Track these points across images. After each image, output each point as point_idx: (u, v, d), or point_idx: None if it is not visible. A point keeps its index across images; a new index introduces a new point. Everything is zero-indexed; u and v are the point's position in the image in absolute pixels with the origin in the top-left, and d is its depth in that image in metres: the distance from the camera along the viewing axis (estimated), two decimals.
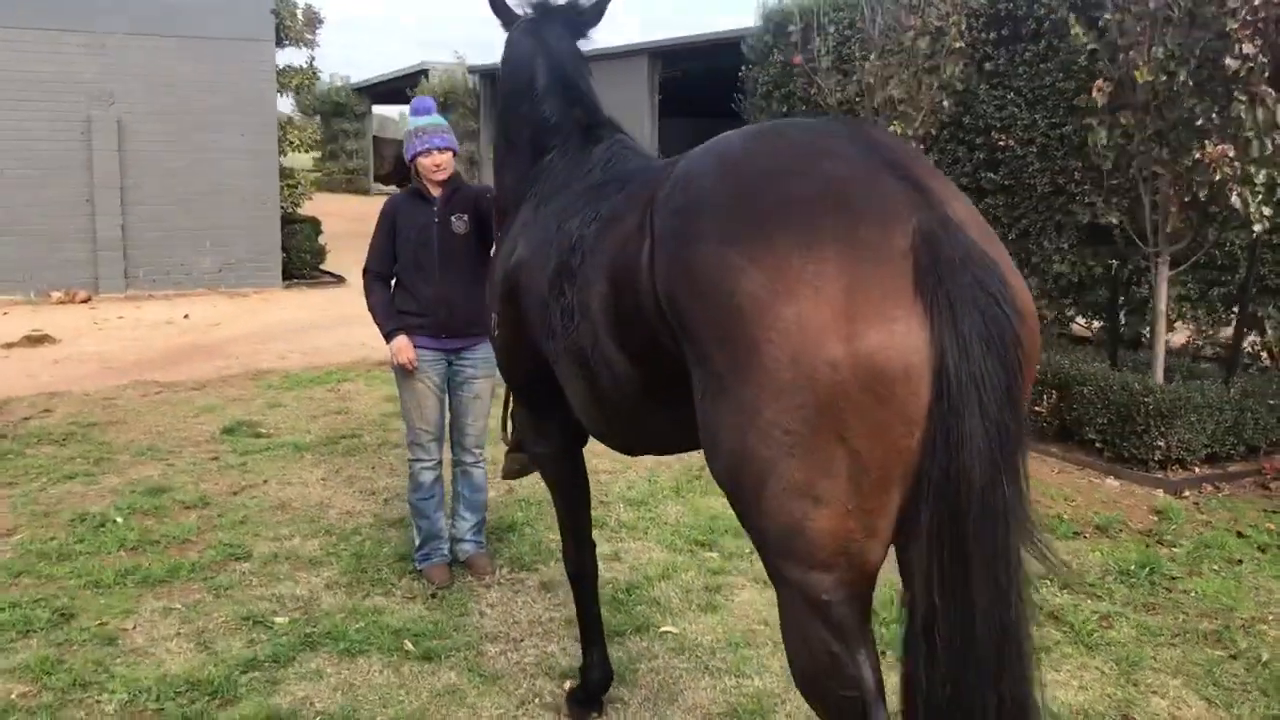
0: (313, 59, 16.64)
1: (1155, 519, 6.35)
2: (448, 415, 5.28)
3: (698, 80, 25.88)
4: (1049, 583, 5.25)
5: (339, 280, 16.71)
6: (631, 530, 5.91)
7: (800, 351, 2.13)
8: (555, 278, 3.14)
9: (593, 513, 6.02)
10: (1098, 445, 7.47)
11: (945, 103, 8.57)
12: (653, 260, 2.58)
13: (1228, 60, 6.31)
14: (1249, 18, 6.25)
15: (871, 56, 8.88)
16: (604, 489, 6.59)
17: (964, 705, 2.22)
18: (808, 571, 2.24)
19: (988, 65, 9.31)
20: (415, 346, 5.03)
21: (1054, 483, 6.97)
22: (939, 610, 2.22)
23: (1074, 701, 4.18)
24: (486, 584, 5.18)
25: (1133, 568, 5.49)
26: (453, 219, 5.01)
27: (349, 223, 20.07)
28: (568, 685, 4.18)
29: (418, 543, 5.25)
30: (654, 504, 6.34)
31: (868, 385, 2.11)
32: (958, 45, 8.37)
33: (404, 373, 5.06)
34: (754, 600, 5.04)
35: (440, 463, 5.27)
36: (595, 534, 5.71)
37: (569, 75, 3.86)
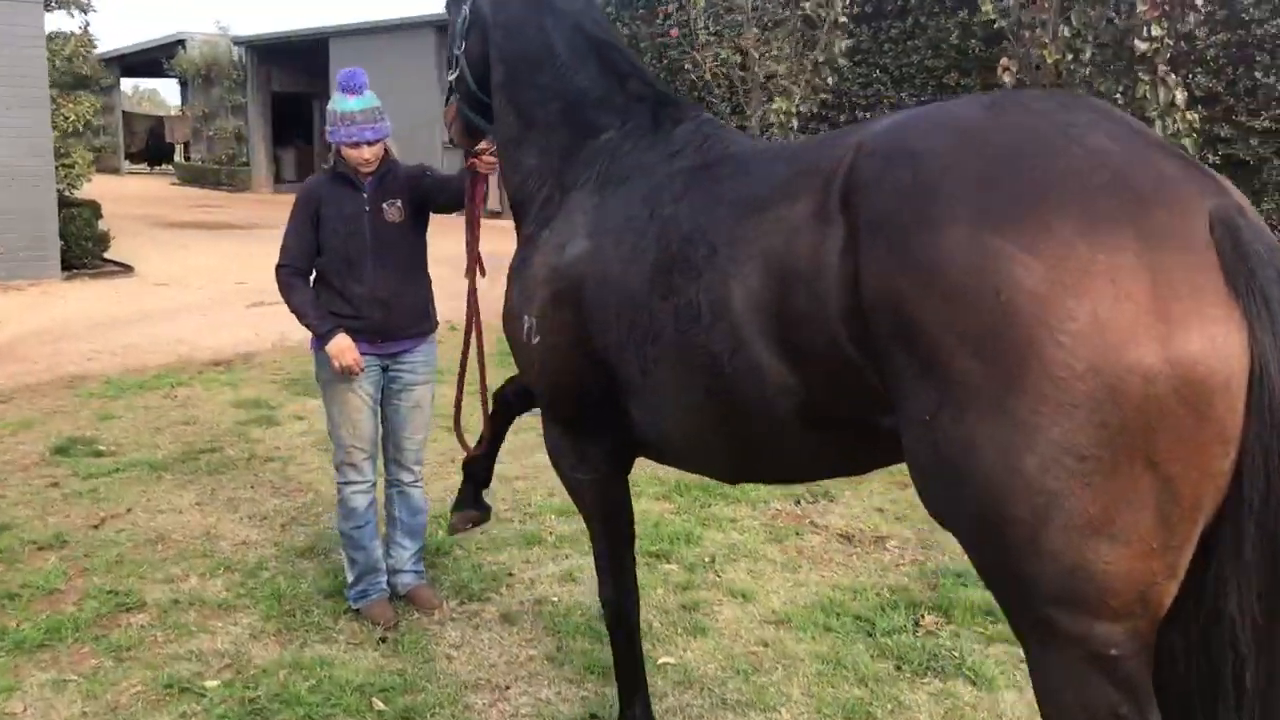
0: (87, 24, 14.95)
1: None
2: (380, 429, 4.59)
3: None
4: None
5: (126, 269, 15.18)
6: (574, 544, 5.37)
7: (1101, 358, 1.79)
8: (660, 273, 2.68)
9: (522, 526, 5.60)
10: None
11: (829, 79, 8.35)
12: (854, 251, 2.14)
13: (1137, 42, 6.31)
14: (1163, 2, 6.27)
15: (751, 29, 8.57)
16: (523, 499, 6.03)
17: None
18: (1094, 623, 1.90)
19: (848, 42, 9.19)
20: None
21: None
22: (1251, 661, 1.94)
23: None
24: (438, 620, 4.55)
25: None
26: (385, 206, 4.32)
27: (115, 204, 18.38)
28: None
29: (352, 578, 4.55)
30: None
31: (1187, 398, 1.78)
32: (842, 20, 8.16)
33: (334, 382, 4.35)
34: (739, 618, 4.63)
35: (374, 484, 4.58)
36: (537, 550, 5.26)
37: (602, 39, 3.40)
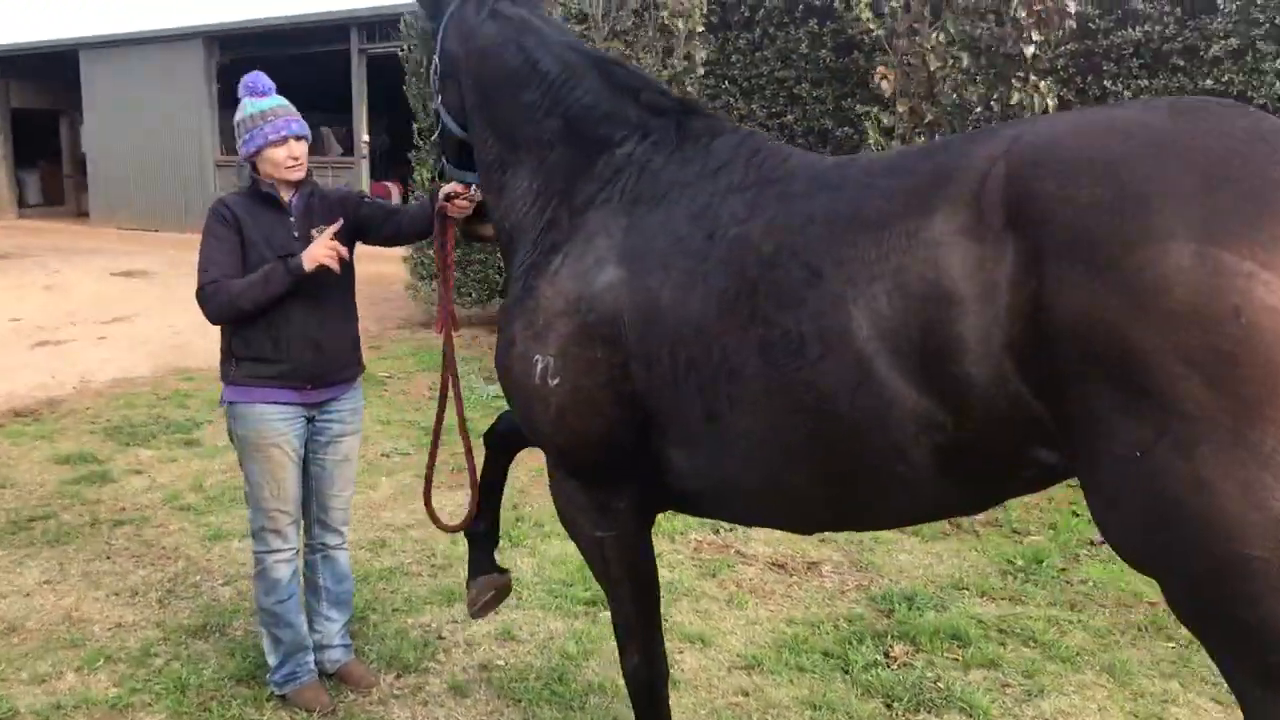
0: None
1: None
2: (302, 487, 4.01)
3: (275, 68, 23.81)
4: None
5: None
6: None
7: None
8: (735, 301, 2.39)
9: (435, 580, 5.10)
10: None
11: (690, 88, 8.16)
12: (1037, 274, 1.91)
13: (1023, 47, 6.39)
14: (1035, 7, 6.37)
15: (597, 37, 8.28)
16: (425, 550, 5.51)
17: None
18: None
19: (703, 53, 9.05)
20: (269, 403, 3.76)
21: None
22: None
23: None
24: (378, 699, 4.02)
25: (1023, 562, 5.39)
26: (316, 234, 3.77)
27: None
28: None
29: (276, 660, 3.95)
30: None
31: None
32: (699, 29, 7.99)
33: (253, 438, 3.76)
34: (706, 666, 4.32)
35: (298, 551, 4.01)
36: (461, 607, 4.77)
37: (601, 56, 3.20)
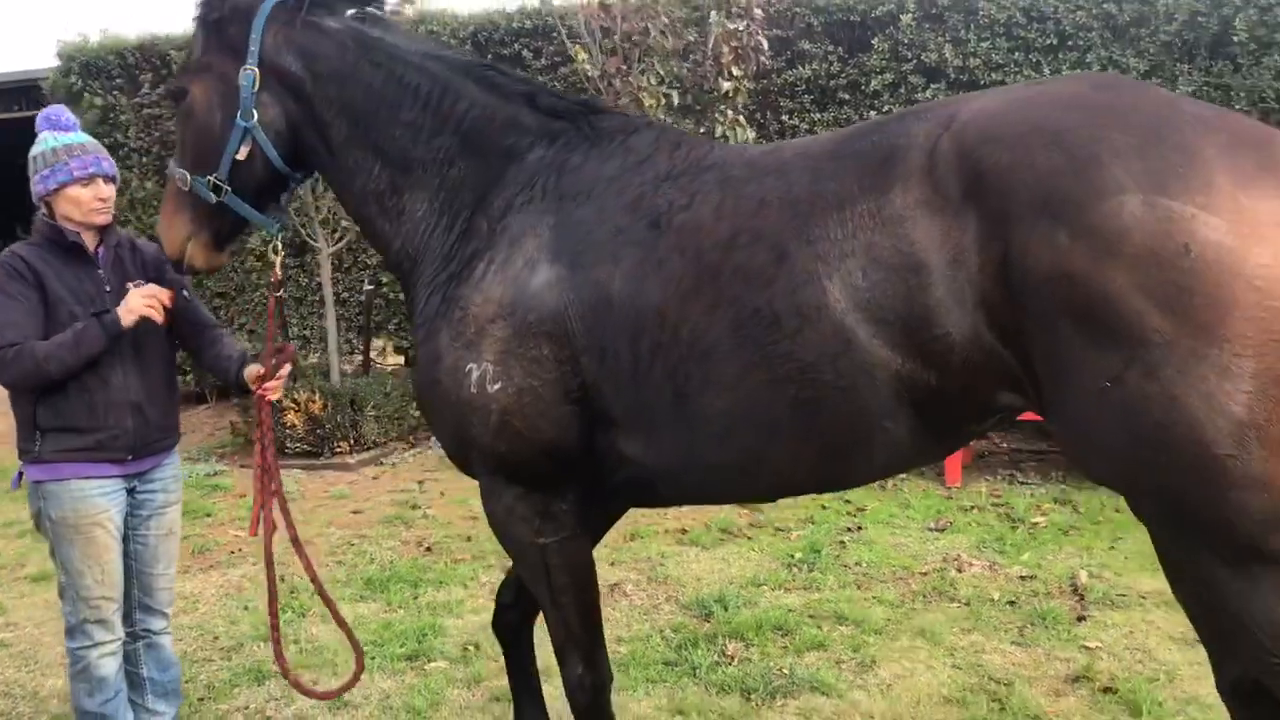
0: None
1: None
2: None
3: None
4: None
5: None
6: (307, 668, 4.59)
7: None
8: (699, 284, 2.48)
9: (228, 662, 4.69)
10: None
11: None
12: (1003, 236, 2.16)
13: (721, 81, 6.89)
14: (733, 44, 6.90)
15: None
16: (202, 631, 5.04)
17: None
18: None
19: None
20: (86, 478, 3.33)
21: None
22: None
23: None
24: None
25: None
26: (131, 287, 3.39)
27: None
28: None
29: None
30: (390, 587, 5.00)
31: None
32: None
33: (71, 519, 3.30)
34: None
35: (122, 640, 3.57)
36: (273, 685, 4.44)
37: (469, 62, 3.13)
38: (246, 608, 5.31)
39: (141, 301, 3.27)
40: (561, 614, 2.92)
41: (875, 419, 2.37)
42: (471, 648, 4.72)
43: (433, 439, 8.83)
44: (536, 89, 3.04)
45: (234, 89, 2.95)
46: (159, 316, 3.31)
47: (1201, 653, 4.45)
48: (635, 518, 6.54)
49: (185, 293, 3.57)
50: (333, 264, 8.88)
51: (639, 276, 2.55)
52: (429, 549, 6.20)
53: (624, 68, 7.06)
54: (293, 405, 8.01)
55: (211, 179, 3.00)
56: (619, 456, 2.69)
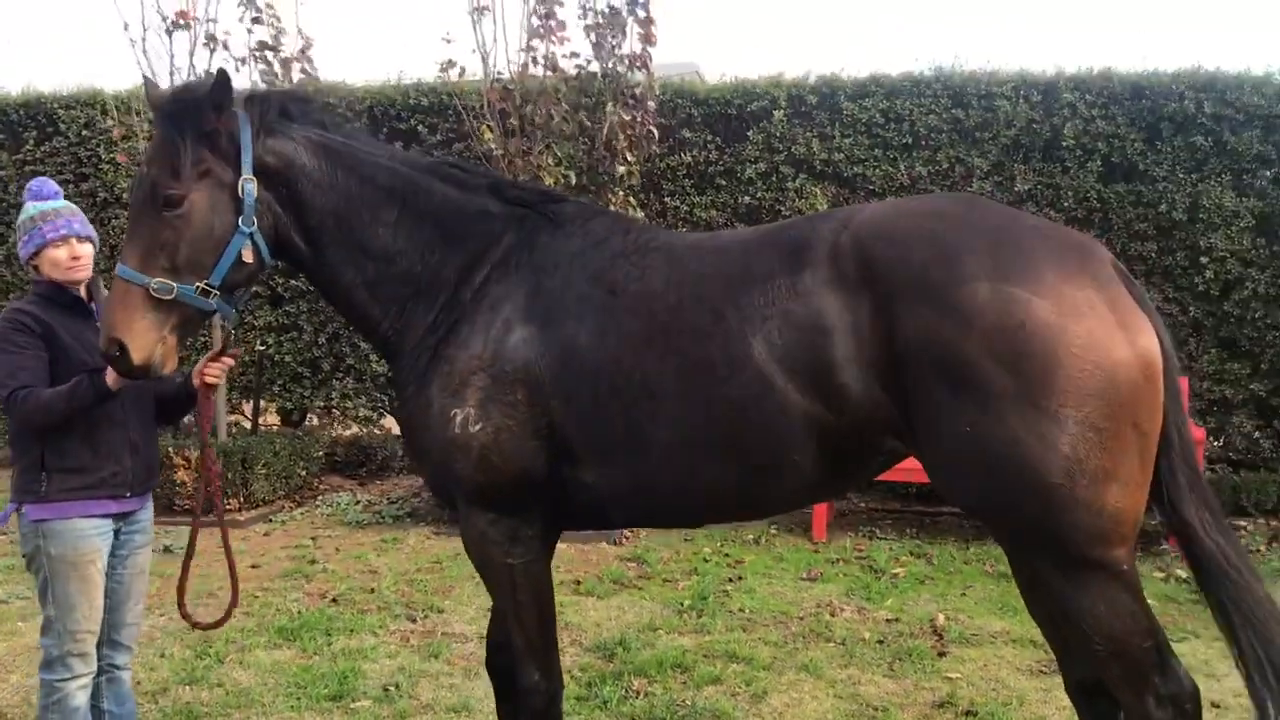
0: None
1: None
2: None
3: None
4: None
5: None
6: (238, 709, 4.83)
7: (1101, 358, 2.61)
8: (651, 338, 3.03)
9: (149, 705, 4.88)
10: None
11: None
12: (889, 312, 2.75)
13: (617, 166, 7.48)
14: (628, 133, 7.51)
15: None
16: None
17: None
18: (1112, 548, 2.69)
19: None
20: (86, 516, 3.59)
21: None
22: (1213, 534, 2.85)
23: None
24: None
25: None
26: None
27: None
28: None
29: None
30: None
31: (1148, 376, 2.69)
32: None
33: (68, 557, 3.55)
34: None
35: (94, 674, 3.79)
36: None
37: (430, 163, 3.55)
38: (163, 655, 5.47)
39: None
40: (521, 625, 3.32)
41: (787, 450, 2.92)
42: (392, 688, 5.01)
43: (319, 498, 9.03)
44: (498, 181, 3.51)
45: (233, 197, 3.14)
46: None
47: (1046, 680, 5.15)
48: None
49: None
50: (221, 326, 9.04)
51: (600, 332, 3.06)
52: (334, 600, 6.44)
53: (525, 148, 7.59)
54: (183, 463, 8.12)
55: (200, 285, 3.12)
56: (578, 484, 3.15)
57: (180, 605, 3.79)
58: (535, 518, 3.24)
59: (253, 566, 7.23)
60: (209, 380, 3.69)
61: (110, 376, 3.45)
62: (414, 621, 6.03)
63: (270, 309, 9.73)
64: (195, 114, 3.13)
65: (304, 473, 8.92)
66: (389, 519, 8.53)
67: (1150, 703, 2.72)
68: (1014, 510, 2.70)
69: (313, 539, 8.02)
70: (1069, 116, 8.49)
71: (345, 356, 9.76)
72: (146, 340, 3.11)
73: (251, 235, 3.19)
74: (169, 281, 3.08)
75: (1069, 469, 2.58)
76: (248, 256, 3.20)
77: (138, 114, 8.19)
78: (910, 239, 2.80)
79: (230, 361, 3.74)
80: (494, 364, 3.11)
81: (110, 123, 8.32)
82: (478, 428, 3.10)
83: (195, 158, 3.11)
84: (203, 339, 8.99)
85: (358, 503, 9.05)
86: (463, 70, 8.03)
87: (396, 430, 10.62)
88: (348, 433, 10.39)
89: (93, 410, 3.53)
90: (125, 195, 9.54)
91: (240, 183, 3.15)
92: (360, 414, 10.00)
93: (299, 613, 6.16)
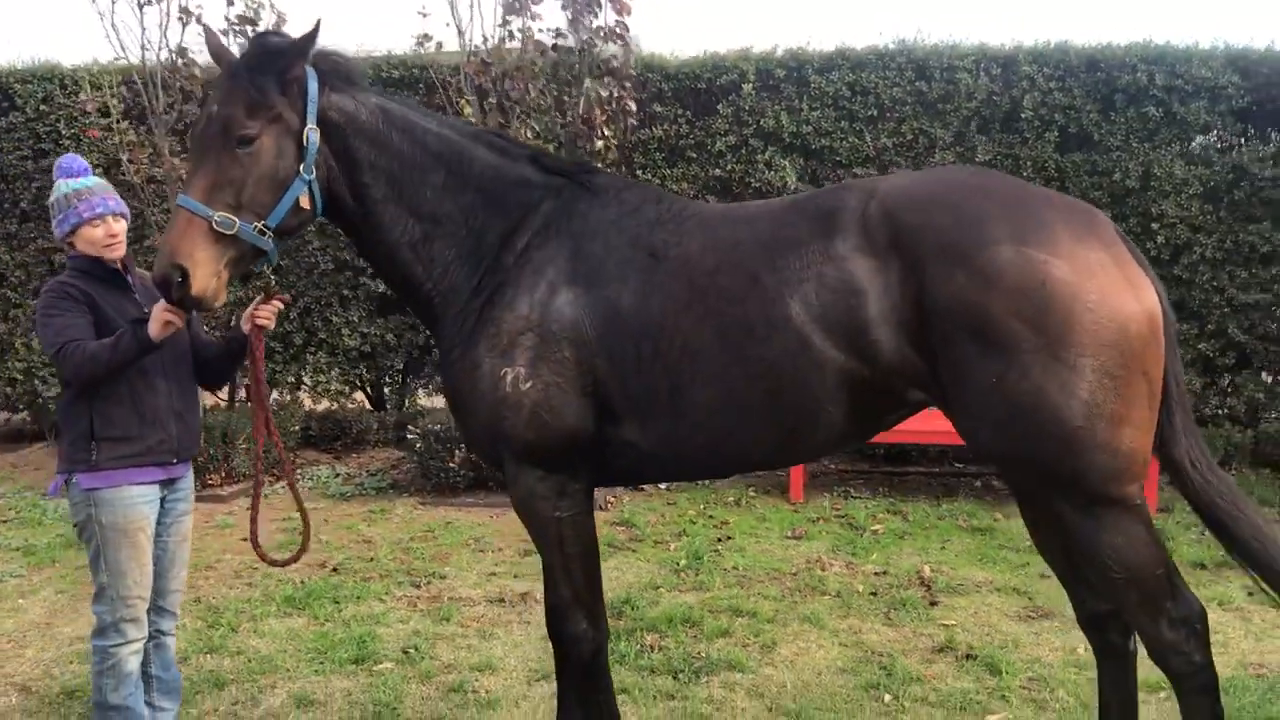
0: None
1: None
2: None
3: None
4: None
5: None
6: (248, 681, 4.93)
7: (1114, 313, 2.86)
8: (690, 300, 3.21)
9: (223, 645, 4.98)
10: None
11: None
12: (919, 275, 2.97)
13: (595, 140, 7.61)
14: (606, 108, 7.64)
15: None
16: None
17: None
18: (1126, 485, 2.95)
19: None
20: (133, 484, 3.68)
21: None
22: (1202, 477, 3.15)
23: None
24: None
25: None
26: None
27: None
28: None
29: None
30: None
31: (1153, 328, 2.95)
32: None
33: (120, 524, 3.65)
34: (509, 685, 4.78)
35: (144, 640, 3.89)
36: (229, 690, 4.77)
37: (474, 131, 3.70)
38: (181, 626, 5.54)
39: (163, 314, 3.52)
40: (569, 576, 3.49)
41: (820, 404, 3.12)
42: (411, 650, 5.15)
43: (297, 472, 9.07)
44: (537, 152, 3.66)
45: (298, 144, 3.28)
46: (180, 323, 3.57)
47: (1035, 625, 5.46)
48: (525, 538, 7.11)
49: (194, 317, 3.97)
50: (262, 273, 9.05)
51: (643, 295, 3.23)
52: (336, 569, 6.54)
53: (502, 123, 7.68)
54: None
55: (258, 225, 3.24)
56: (620, 441, 3.33)
57: (254, 544, 3.94)
58: (581, 474, 3.40)
59: (243, 540, 7.27)
60: (260, 323, 3.72)
61: (154, 327, 3.50)
62: (418, 588, 6.16)
63: (240, 284, 9.69)
64: (277, 61, 3.25)
65: (283, 446, 8.94)
66: (372, 491, 8.62)
67: (1164, 625, 2.98)
68: (1038, 454, 2.92)
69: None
70: (1028, 89, 8.79)
71: (318, 331, 9.77)
72: (207, 270, 3.19)
73: (310, 183, 3.32)
74: (232, 217, 3.19)
75: (1088, 413, 2.82)
76: (305, 203, 3.32)
77: (110, 90, 8.12)
78: (934, 207, 3.01)
79: (280, 305, 3.76)
80: (541, 324, 3.26)
81: (84, 97, 8.22)
82: (528, 385, 3.25)
83: (270, 102, 3.23)
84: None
85: (337, 475, 9.13)
86: (439, 45, 8.07)
87: (369, 405, 10.68)
88: (320, 407, 10.41)
89: (137, 360, 3.60)
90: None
91: (305, 131, 3.27)
92: (333, 388, 10.03)
93: (303, 583, 6.25)
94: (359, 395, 10.56)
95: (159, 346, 3.59)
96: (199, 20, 7.97)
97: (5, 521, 7.92)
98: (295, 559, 4.03)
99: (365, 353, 9.85)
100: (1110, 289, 2.85)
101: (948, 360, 2.94)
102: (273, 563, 4.02)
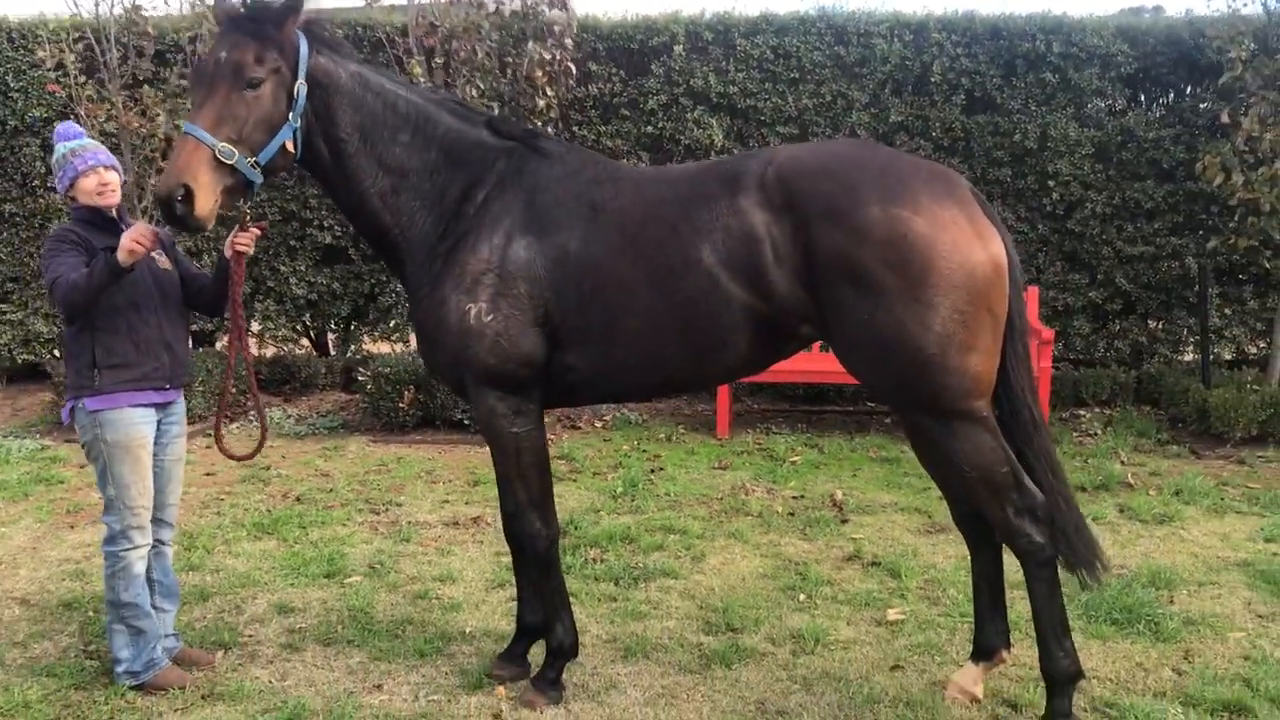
0: None
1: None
2: None
3: None
4: None
5: None
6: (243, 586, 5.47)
7: (964, 259, 3.51)
8: (624, 246, 3.82)
9: (200, 563, 5.48)
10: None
11: None
12: (806, 230, 3.60)
13: (537, 99, 8.11)
14: (548, 69, 8.13)
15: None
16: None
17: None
18: (975, 400, 3.61)
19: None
20: (132, 406, 4.20)
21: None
22: (1028, 399, 3.85)
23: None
24: (230, 668, 4.54)
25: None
26: (154, 254, 4.28)
27: None
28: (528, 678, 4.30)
29: (133, 652, 4.24)
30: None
31: (998, 272, 3.61)
32: None
33: (122, 442, 4.16)
34: (471, 590, 5.36)
35: (150, 545, 4.42)
36: (215, 600, 5.29)
37: (438, 99, 4.22)
38: None
39: (130, 239, 3.95)
40: (526, 484, 4.08)
41: (728, 333, 3.76)
42: (377, 565, 5.71)
43: (250, 414, 9.49)
44: (491, 117, 4.22)
45: (289, 95, 3.77)
46: (148, 244, 3.98)
47: (932, 538, 6.21)
48: (473, 470, 7.69)
49: (183, 261, 4.54)
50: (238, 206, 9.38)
51: (585, 241, 3.85)
52: (299, 499, 7.06)
53: (449, 81, 8.14)
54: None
55: (251, 159, 3.69)
56: (563, 366, 3.93)
57: (218, 439, 4.53)
58: (535, 395, 4.00)
59: (207, 474, 7.75)
60: (239, 249, 4.21)
61: (122, 254, 3.92)
62: (376, 515, 6.72)
63: (189, 234, 10.04)
64: (277, 19, 3.74)
65: (235, 390, 9.36)
66: (324, 430, 9.11)
67: (1010, 512, 3.67)
68: (901, 378, 3.57)
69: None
70: (937, 55, 9.46)
71: (265, 279, 10.15)
72: (208, 192, 3.61)
73: (295, 131, 3.83)
74: (232, 148, 3.64)
75: (942, 343, 3.47)
76: (290, 147, 3.84)
77: (68, 46, 8.40)
78: (821, 174, 3.64)
79: (258, 232, 4.24)
80: (500, 265, 3.85)
81: (42, 54, 8.47)
82: (489, 318, 3.84)
83: (273, 53, 3.73)
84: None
85: (289, 417, 9.58)
86: (387, 10, 8.47)
87: (315, 351, 11.10)
88: (268, 353, 10.82)
89: (111, 284, 4.03)
90: (36, 124, 9.69)
91: (296, 85, 3.78)
92: (281, 334, 10.44)
93: (268, 510, 6.77)
94: (304, 341, 10.97)
95: (129, 270, 4.01)
96: None
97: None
98: (253, 455, 4.66)
99: (311, 301, 10.27)
100: (961, 240, 3.47)
101: (830, 301, 3.57)
102: (232, 456, 4.58)
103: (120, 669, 4.31)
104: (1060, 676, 3.76)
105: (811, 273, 3.56)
